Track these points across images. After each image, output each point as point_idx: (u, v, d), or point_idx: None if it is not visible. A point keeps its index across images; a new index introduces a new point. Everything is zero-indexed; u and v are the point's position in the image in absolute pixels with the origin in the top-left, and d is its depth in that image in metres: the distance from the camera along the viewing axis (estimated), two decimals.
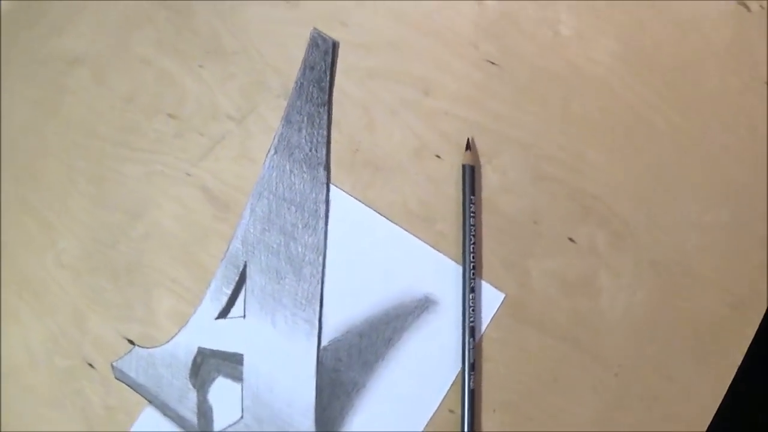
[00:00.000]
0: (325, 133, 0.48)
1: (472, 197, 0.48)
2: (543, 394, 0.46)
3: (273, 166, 0.48)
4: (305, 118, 0.48)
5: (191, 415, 0.47)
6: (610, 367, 0.46)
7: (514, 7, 0.49)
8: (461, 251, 0.47)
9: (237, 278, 0.48)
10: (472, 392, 0.46)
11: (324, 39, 0.49)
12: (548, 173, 0.48)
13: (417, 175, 0.49)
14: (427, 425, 0.46)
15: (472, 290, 0.47)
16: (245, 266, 0.48)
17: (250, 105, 0.49)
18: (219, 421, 0.47)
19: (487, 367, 0.47)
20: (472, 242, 0.47)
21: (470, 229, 0.47)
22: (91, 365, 0.48)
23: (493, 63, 0.49)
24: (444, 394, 0.47)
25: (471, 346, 0.47)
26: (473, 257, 0.47)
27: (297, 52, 0.49)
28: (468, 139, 0.48)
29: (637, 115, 0.48)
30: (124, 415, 0.47)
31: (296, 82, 0.49)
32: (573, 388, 0.45)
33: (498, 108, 0.49)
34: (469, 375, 0.46)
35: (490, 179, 0.48)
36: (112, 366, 0.47)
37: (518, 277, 0.48)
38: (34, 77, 0.51)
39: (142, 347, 0.48)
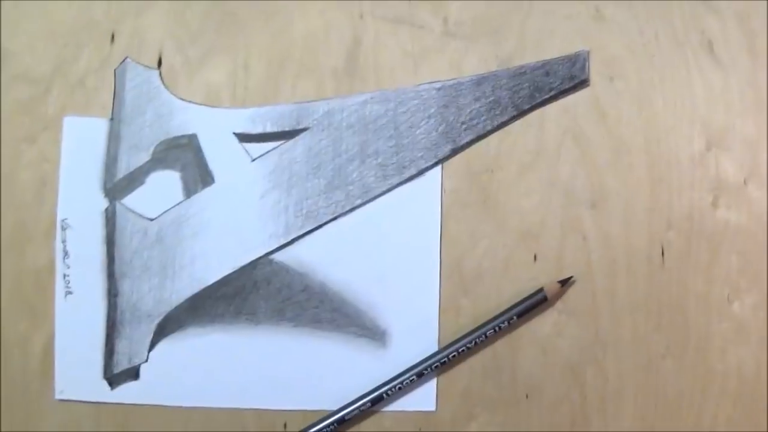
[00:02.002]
0: (489, 126, 0.40)
1: (513, 319, 0.39)
2: None
3: (427, 92, 0.40)
4: (491, 99, 0.40)
5: (122, 167, 0.40)
6: None
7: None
8: (452, 341, 0.40)
9: (286, 130, 0.40)
10: None
11: (583, 68, 0.41)
12: (588, 384, 0.40)
13: (504, 246, 0.41)
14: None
15: (419, 375, 0.39)
16: (304, 131, 0.40)
17: (473, 34, 0.41)
18: (131, 199, 0.40)
19: None
20: (467, 346, 0.39)
21: (479, 338, 0.39)
22: (113, 38, 0.41)
23: (663, 253, 0.40)
24: (295, 407, 0.40)
25: (362, 407, 0.39)
26: (450, 358, 0.39)
27: (551, 47, 0.41)
28: (571, 279, 0.40)
29: None
30: (85, 104, 0.41)
31: (521, 68, 0.41)
32: None
33: (622, 292, 0.40)
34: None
35: (542, 323, 0.40)
36: (125, 60, 0.40)
37: (460, 412, 0.40)
38: None
39: (162, 79, 0.41)
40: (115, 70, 0.41)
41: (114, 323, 0.40)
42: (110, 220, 0.40)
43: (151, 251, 0.40)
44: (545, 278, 0.40)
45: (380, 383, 0.39)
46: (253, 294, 0.40)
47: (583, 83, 0.41)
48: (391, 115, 0.40)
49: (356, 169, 0.40)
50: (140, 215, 0.40)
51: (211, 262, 0.40)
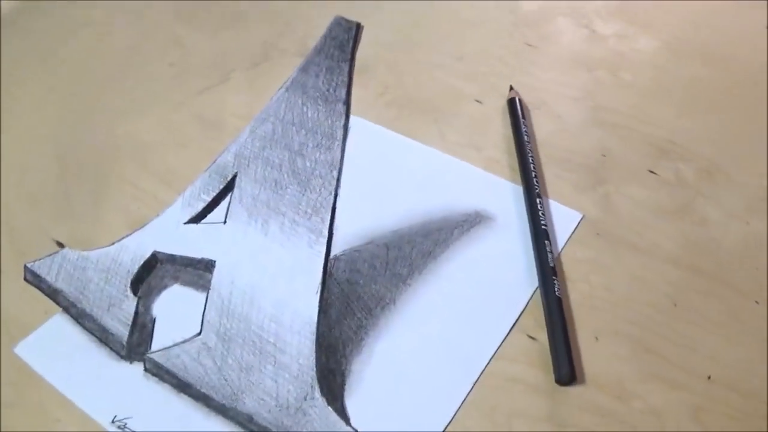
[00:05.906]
0: (345, 79, 0.42)
1: (523, 120, 0.39)
2: (662, 321, 0.31)
3: (282, 100, 0.41)
4: (324, 69, 0.43)
5: (119, 327, 0.31)
6: (748, 294, 0.32)
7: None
8: (519, 174, 0.37)
9: (221, 187, 0.36)
10: (559, 302, 0.31)
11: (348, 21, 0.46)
12: (609, 120, 0.41)
13: (455, 115, 0.41)
14: (496, 354, 0.30)
15: (539, 196, 0.35)
16: (235, 176, 0.37)
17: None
18: (164, 335, 0.30)
19: (576, 291, 0.32)
20: (531, 162, 0.37)
21: (528, 151, 0.38)
22: None
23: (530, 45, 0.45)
24: (515, 316, 0.31)
25: (549, 249, 0.33)
26: (536, 178, 0.37)
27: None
28: (510, 86, 0.42)
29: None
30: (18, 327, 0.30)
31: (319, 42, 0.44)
32: (702, 316, 0.31)
33: (538, 74, 0.44)
34: (551, 282, 0.31)
35: (541, 124, 0.41)
36: (25, 267, 0.32)
37: (596, 201, 0.36)
38: None
39: (73, 250, 0.33)
40: (25, 278, 0.32)
41: None
42: None
43: None
44: (498, 103, 0.42)
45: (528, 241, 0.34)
46: (365, 289, 0.32)
47: (359, 28, 0.46)
48: (271, 126, 0.39)
49: (304, 162, 0.37)
50: None
51: (285, 323, 0.31)
